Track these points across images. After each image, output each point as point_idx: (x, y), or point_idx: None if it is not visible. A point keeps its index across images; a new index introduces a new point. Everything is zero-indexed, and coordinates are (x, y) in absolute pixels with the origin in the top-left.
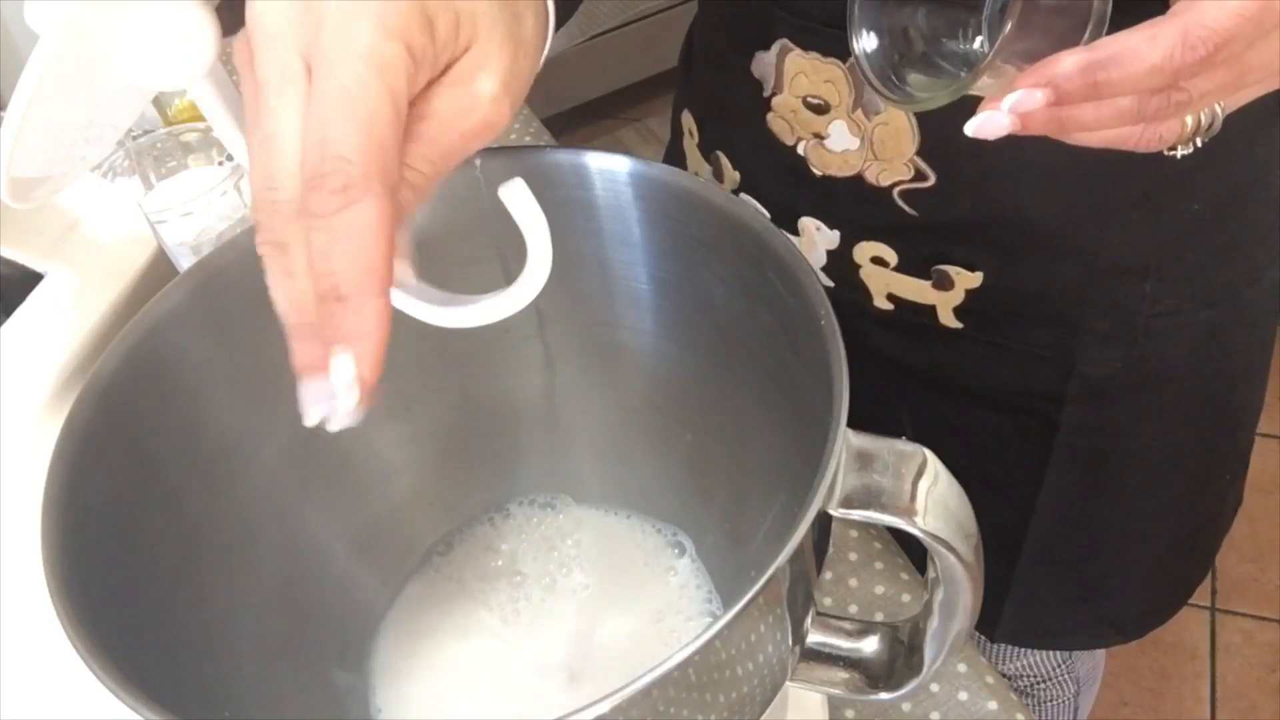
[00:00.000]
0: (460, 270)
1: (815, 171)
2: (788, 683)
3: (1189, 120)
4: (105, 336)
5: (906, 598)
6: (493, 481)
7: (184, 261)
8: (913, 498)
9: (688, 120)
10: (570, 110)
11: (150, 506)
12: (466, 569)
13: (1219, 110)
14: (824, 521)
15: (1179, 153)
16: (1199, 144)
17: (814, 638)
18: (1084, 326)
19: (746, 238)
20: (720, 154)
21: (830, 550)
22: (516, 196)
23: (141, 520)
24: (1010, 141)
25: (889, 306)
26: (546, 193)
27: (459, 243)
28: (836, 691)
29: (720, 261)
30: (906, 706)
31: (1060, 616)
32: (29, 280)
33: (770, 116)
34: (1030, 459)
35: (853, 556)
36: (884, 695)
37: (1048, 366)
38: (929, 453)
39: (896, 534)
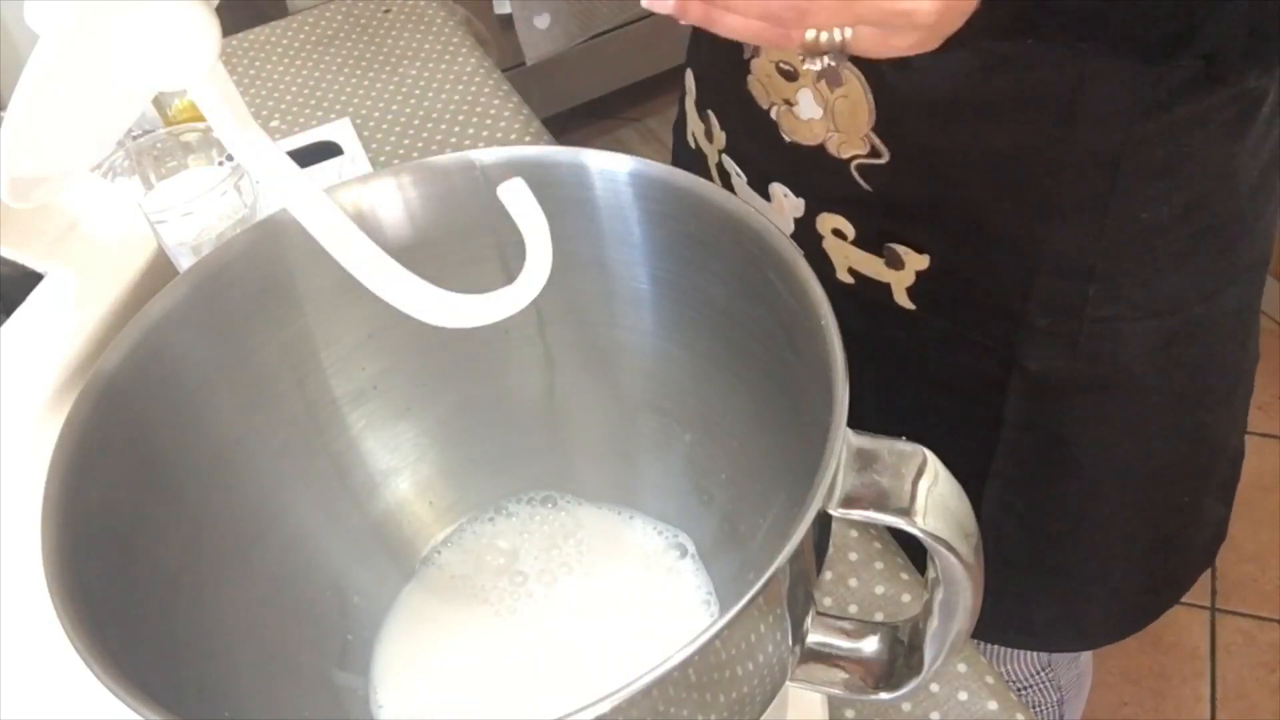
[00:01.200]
0: (460, 270)
1: (785, 137)
2: (788, 683)
3: (816, 35)
4: (105, 336)
5: (906, 598)
6: (493, 481)
7: (184, 261)
8: (913, 498)
9: (689, 78)
10: (570, 110)
11: (150, 506)
12: (467, 567)
13: (844, 36)
14: (824, 521)
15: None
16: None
17: (814, 638)
18: (1026, 321)
19: (746, 238)
20: (710, 113)
21: (830, 550)
22: (516, 196)
23: (141, 520)
24: (961, 126)
25: (850, 280)
26: (546, 193)
27: (459, 243)
28: (836, 691)
29: (720, 261)
30: (906, 706)
31: (1010, 613)
32: (29, 280)
33: (750, 79)
34: (978, 448)
35: (853, 556)
36: (884, 695)
37: (991, 356)
38: (929, 453)
39: (896, 534)
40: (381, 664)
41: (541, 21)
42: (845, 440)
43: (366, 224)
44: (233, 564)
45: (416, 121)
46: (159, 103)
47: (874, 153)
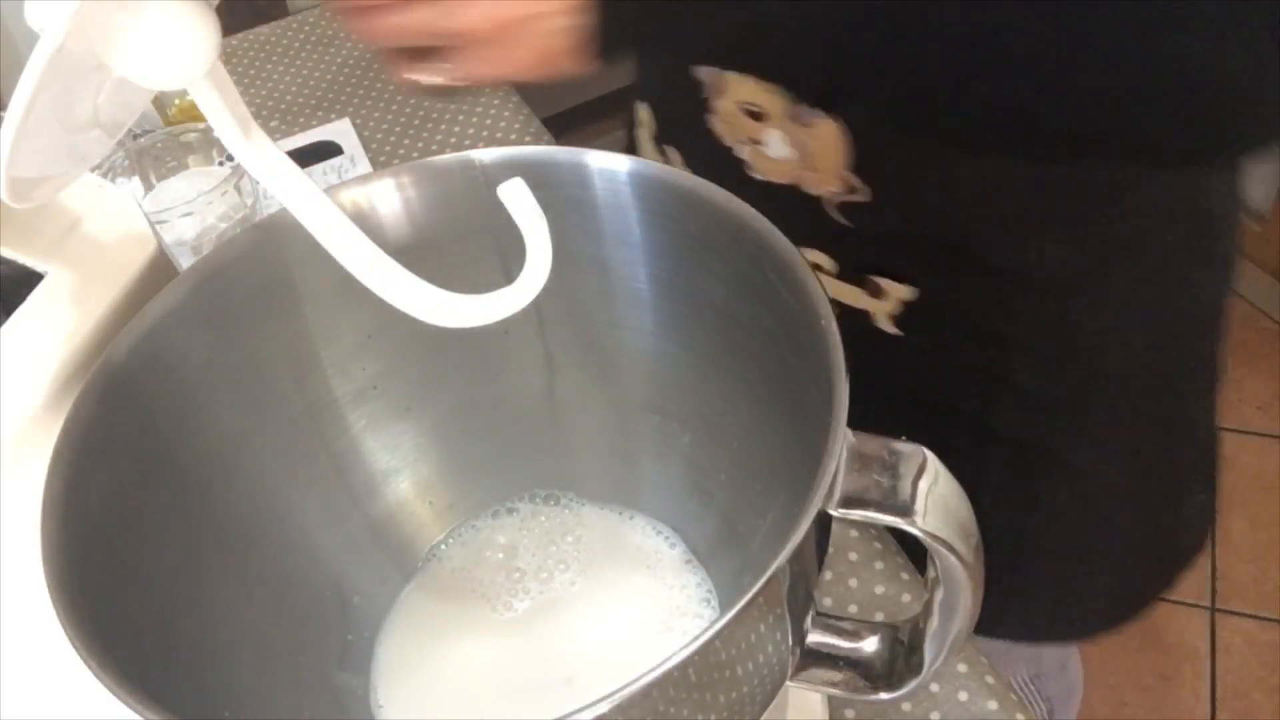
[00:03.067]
0: (460, 270)
1: (755, 176)
2: (788, 683)
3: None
4: (105, 336)
5: (906, 598)
6: (492, 481)
7: (184, 261)
8: (913, 498)
9: (641, 110)
10: (570, 110)
11: (150, 506)
12: (467, 567)
13: None
14: (824, 521)
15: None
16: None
17: (814, 638)
18: (1013, 341)
19: (746, 238)
20: (672, 148)
21: (830, 550)
22: (516, 196)
23: (141, 520)
24: (940, 160)
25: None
26: (546, 193)
27: (459, 243)
28: (836, 691)
29: (720, 261)
30: (906, 706)
31: (1002, 607)
32: (29, 280)
33: (710, 118)
34: (964, 463)
35: (853, 556)
36: (884, 695)
37: (978, 375)
38: (929, 453)
39: (896, 534)
40: (381, 664)
41: None
42: (845, 440)
43: (366, 224)
44: (233, 564)
45: (416, 122)
46: (159, 103)
47: (852, 190)
